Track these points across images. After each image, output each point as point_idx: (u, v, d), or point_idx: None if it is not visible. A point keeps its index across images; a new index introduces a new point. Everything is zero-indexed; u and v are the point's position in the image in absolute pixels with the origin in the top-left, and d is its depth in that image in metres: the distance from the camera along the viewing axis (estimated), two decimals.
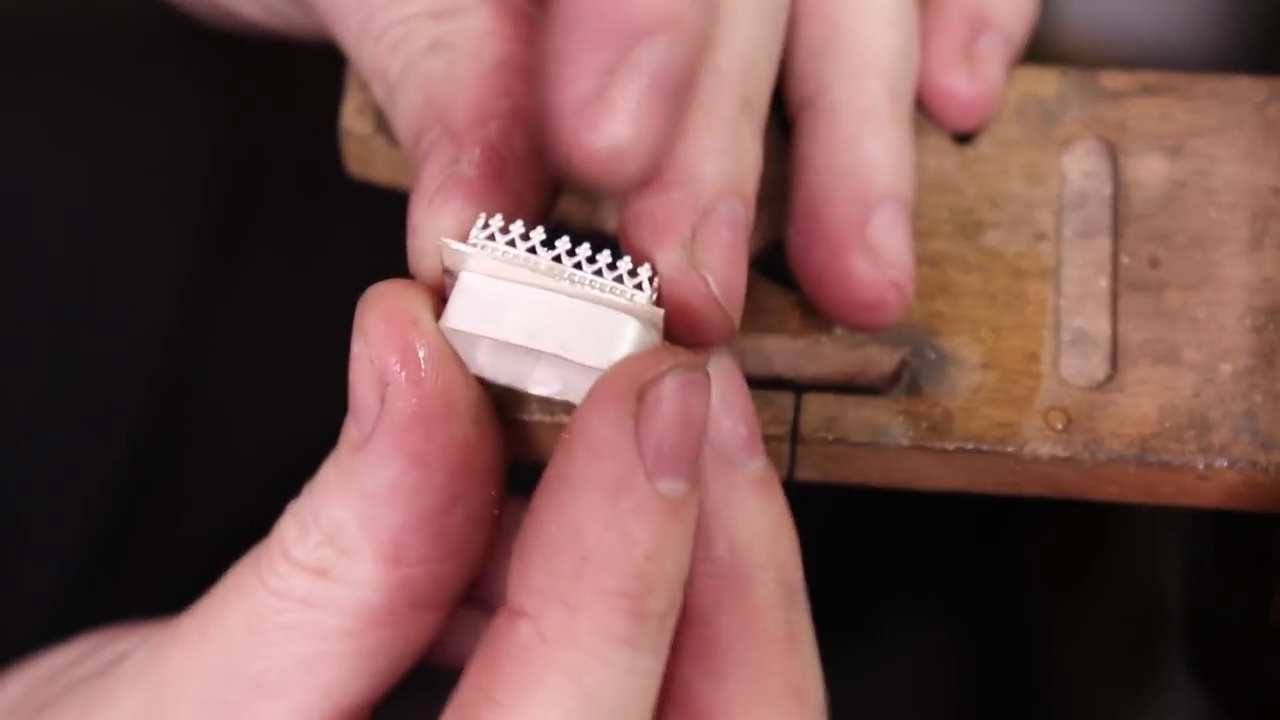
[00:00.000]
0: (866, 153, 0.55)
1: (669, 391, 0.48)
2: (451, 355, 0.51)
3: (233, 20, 0.67)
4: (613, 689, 0.47)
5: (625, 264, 0.50)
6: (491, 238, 0.50)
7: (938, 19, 0.58)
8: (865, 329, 0.55)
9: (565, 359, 0.50)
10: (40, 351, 0.76)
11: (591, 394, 0.48)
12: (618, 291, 0.50)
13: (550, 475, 0.48)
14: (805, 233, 0.55)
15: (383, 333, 0.51)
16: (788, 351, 0.56)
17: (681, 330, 0.51)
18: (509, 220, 0.51)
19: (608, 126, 0.48)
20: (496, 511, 0.52)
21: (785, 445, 0.55)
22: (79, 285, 0.76)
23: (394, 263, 0.79)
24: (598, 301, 0.50)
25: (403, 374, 0.50)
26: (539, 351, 0.50)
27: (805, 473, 0.56)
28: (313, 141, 0.70)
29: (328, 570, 0.51)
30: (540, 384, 0.51)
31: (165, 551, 0.77)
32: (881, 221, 0.54)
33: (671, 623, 0.48)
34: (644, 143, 0.48)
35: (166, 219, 0.77)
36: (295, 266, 0.79)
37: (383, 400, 0.50)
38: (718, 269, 0.50)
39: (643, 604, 0.47)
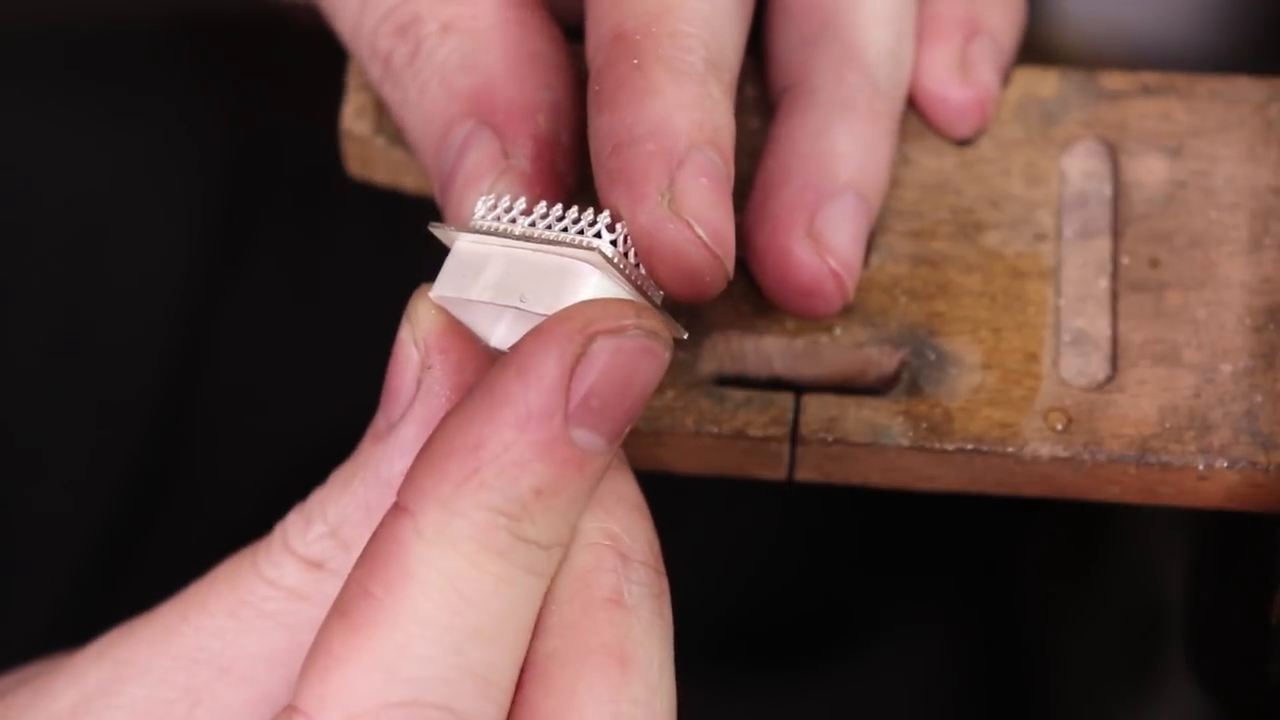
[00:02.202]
0: (832, 142, 0.55)
1: (618, 348, 0.48)
2: (487, 355, 0.51)
3: None
4: (488, 598, 0.47)
5: (589, 216, 0.50)
6: (484, 216, 0.51)
7: (929, 26, 0.58)
8: (803, 315, 0.55)
9: (524, 310, 0.50)
10: (50, 347, 0.76)
11: (544, 324, 0.48)
12: (579, 240, 0.50)
13: (477, 386, 0.48)
14: (756, 209, 0.55)
15: (430, 317, 0.51)
16: (788, 352, 0.56)
17: (677, 281, 0.51)
18: (499, 199, 0.51)
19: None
20: None
21: (785, 446, 0.55)
22: (88, 282, 0.76)
23: (397, 259, 0.79)
24: (560, 252, 0.50)
25: (445, 360, 0.51)
26: (514, 309, 0.50)
27: (805, 473, 0.56)
28: (316, 141, 0.70)
29: (323, 563, 0.51)
30: None
31: (174, 545, 0.77)
32: (833, 211, 0.54)
33: (557, 557, 0.49)
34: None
35: (172, 218, 0.77)
36: (300, 265, 0.79)
37: (419, 385, 0.51)
38: (700, 212, 0.50)
39: (520, 527, 0.47)
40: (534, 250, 0.50)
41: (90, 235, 0.76)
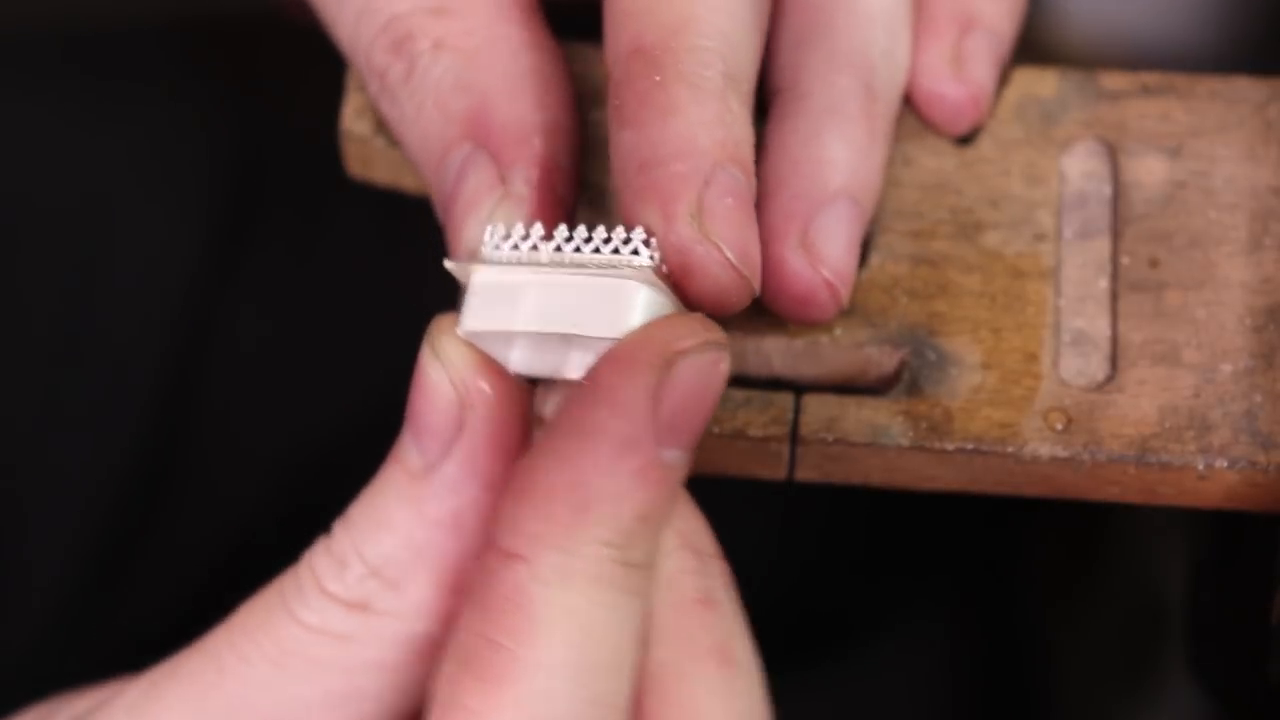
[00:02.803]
0: (824, 147, 0.55)
1: (697, 366, 0.49)
2: (524, 380, 0.52)
3: None
4: (608, 629, 0.48)
5: (619, 234, 0.51)
6: (497, 246, 0.51)
7: (923, 22, 0.58)
8: (798, 322, 0.56)
9: (582, 336, 0.50)
10: (46, 352, 0.76)
11: (621, 351, 0.49)
12: (617, 260, 0.50)
13: (560, 422, 0.48)
14: None
15: (465, 355, 0.51)
16: (788, 352, 0.56)
17: (704, 299, 0.51)
18: (510, 226, 0.52)
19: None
20: None
21: (785, 446, 0.55)
22: (84, 286, 0.76)
23: (398, 260, 0.79)
24: (601, 274, 0.50)
25: (488, 396, 0.51)
26: (564, 336, 0.50)
27: (805, 473, 0.56)
28: (317, 141, 0.70)
29: (369, 603, 0.51)
30: (577, 368, 0.52)
31: (170, 552, 0.76)
32: (826, 219, 0.54)
33: (652, 574, 0.49)
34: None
35: (172, 219, 0.77)
36: (300, 268, 0.79)
37: (461, 425, 0.51)
38: (727, 234, 0.51)
39: (628, 555, 0.48)
40: (572, 275, 0.50)
41: (90, 235, 0.76)
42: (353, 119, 0.60)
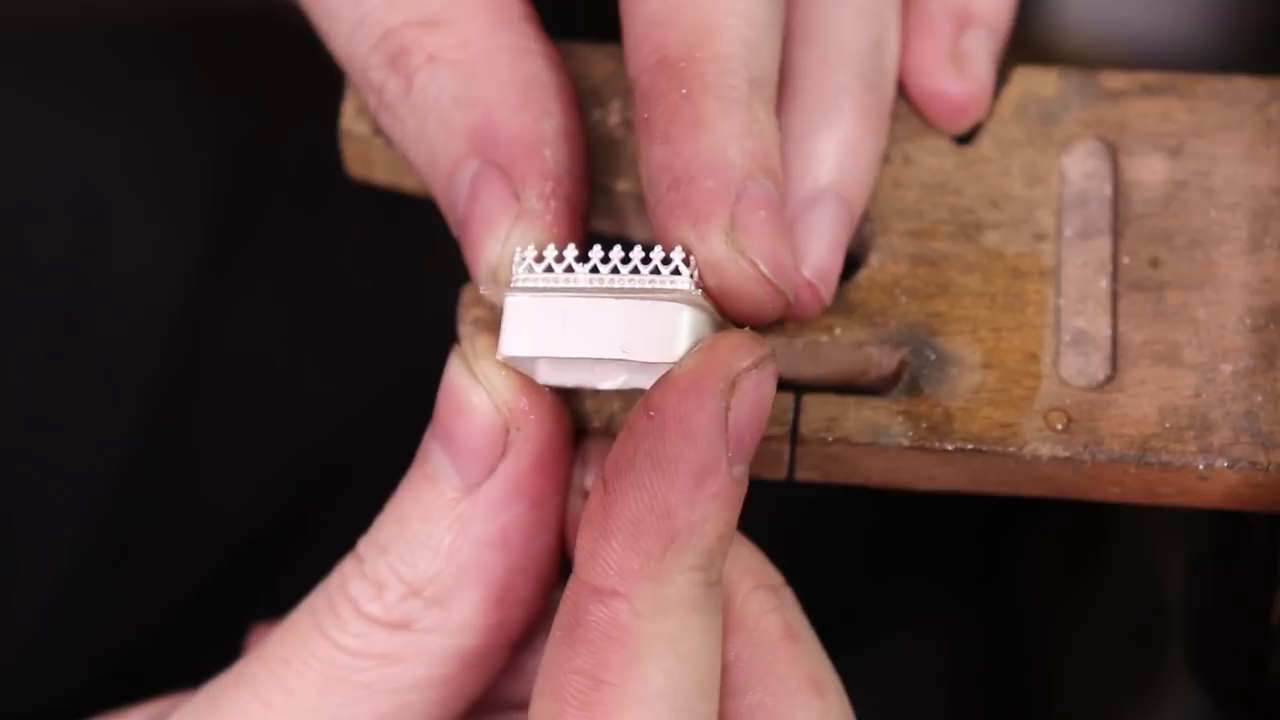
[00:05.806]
0: (815, 144, 0.55)
1: (756, 382, 0.49)
2: (558, 401, 0.52)
3: None
4: (699, 650, 0.49)
5: (657, 254, 0.51)
6: (529, 269, 0.51)
7: (920, 18, 0.58)
8: (784, 319, 0.56)
9: (630, 360, 0.50)
10: (41, 359, 0.75)
11: (684, 380, 0.49)
12: (658, 282, 0.50)
13: (633, 454, 0.49)
14: None
15: (506, 378, 0.51)
16: (788, 352, 0.56)
17: (741, 312, 0.52)
18: (541, 247, 0.52)
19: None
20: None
21: (785, 445, 0.55)
22: (87, 283, 0.76)
23: (398, 260, 0.79)
24: (643, 297, 0.51)
25: (533, 416, 0.51)
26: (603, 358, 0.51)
27: (805, 473, 0.56)
28: (317, 141, 0.70)
29: (411, 623, 0.52)
30: (608, 380, 0.52)
31: (168, 553, 0.76)
32: (810, 219, 0.54)
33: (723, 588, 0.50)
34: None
35: (172, 220, 0.77)
36: (298, 268, 0.79)
37: (505, 447, 0.51)
38: (761, 248, 0.51)
39: (709, 574, 0.49)
40: (615, 299, 0.51)
41: (90, 236, 0.76)
42: (352, 119, 0.60)
